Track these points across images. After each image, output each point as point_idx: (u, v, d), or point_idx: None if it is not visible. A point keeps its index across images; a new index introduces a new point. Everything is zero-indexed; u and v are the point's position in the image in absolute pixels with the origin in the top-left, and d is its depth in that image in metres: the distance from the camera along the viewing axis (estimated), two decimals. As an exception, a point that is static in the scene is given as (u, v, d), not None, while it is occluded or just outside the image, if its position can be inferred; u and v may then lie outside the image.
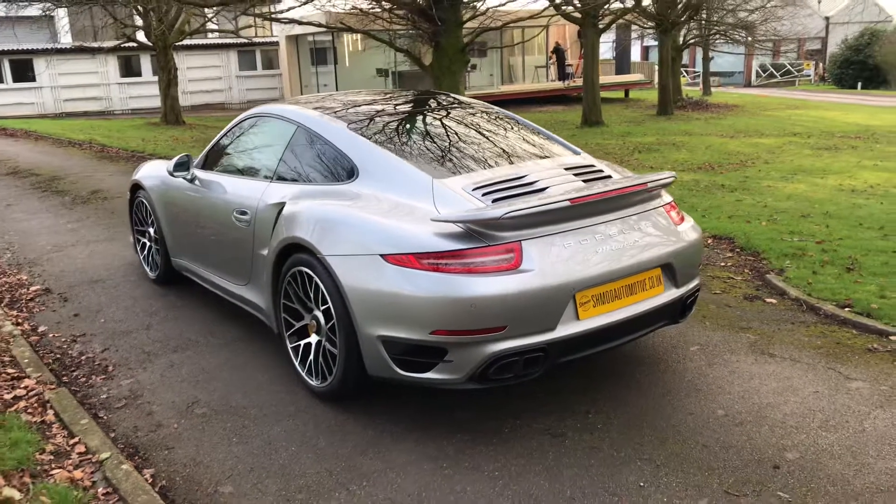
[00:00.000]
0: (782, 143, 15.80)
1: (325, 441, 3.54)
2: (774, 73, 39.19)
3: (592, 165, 4.13)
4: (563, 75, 29.22)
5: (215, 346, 4.74)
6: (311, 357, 3.94)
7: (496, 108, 4.98)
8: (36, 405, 4.04)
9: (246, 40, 26.48)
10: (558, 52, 29.08)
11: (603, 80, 27.12)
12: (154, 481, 3.32)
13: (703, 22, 24.66)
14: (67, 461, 3.51)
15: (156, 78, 25.28)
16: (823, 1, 40.72)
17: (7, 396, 4.15)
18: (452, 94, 5.23)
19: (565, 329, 3.39)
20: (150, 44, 19.87)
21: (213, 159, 5.11)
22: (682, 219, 4.00)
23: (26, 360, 4.61)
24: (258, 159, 4.73)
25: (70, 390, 4.23)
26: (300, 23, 14.12)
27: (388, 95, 5.09)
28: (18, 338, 5.00)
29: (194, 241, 5.14)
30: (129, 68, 26.56)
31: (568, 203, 3.39)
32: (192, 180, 5.10)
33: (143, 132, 18.50)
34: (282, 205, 4.11)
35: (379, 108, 4.63)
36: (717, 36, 27.44)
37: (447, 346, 3.31)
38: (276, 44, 27.89)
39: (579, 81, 28.20)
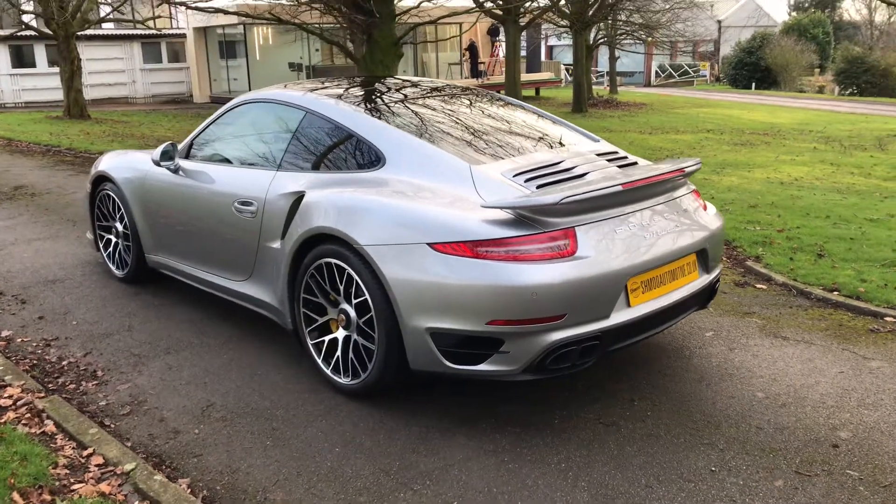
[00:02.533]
0: (699, 139, 16.40)
1: (369, 440, 3.38)
2: (673, 73, 40.72)
3: (617, 152, 4.11)
4: (475, 72, 29.45)
5: (212, 346, 4.46)
6: (339, 353, 3.75)
7: (501, 95, 4.90)
8: (29, 416, 3.69)
9: (151, 31, 25.37)
10: (472, 49, 29.25)
11: (522, 77, 27.50)
12: (193, 492, 3.08)
13: (614, 22, 25.31)
14: (87, 474, 3.21)
15: (52, 69, 23.90)
16: (715, 5, 42.58)
17: (-9, 407, 3.77)
18: (445, 81, 5.11)
19: (618, 316, 3.35)
20: (49, 32, 18.68)
21: (200, 149, 4.81)
22: (706, 206, 4.04)
23: (0, 368, 4.21)
24: (258, 147, 4.48)
25: (62, 398, 3.89)
26: (226, 12, 13.63)
27: (385, 81, 4.92)
28: (-17, 344, 4.57)
29: (179, 235, 4.82)
30: (22, 59, 24.95)
31: (619, 188, 3.35)
32: (175, 171, 4.78)
33: (48, 126, 17.40)
34: (299, 194, 3.90)
35: (386, 93, 4.47)
36: (624, 36, 28.25)
37: (504, 336, 3.21)
38: (183, 36, 26.83)
39: (493, 79, 28.56)
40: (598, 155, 3.95)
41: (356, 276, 3.52)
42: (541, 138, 4.13)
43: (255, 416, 3.64)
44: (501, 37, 30.97)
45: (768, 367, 3.95)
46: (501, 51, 32.21)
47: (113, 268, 5.61)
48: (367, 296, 3.49)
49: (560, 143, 4.10)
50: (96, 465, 3.28)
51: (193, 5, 13.53)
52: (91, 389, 4.01)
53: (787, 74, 33.76)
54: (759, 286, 5.29)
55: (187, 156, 4.84)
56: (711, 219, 3.90)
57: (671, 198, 3.75)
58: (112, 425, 3.64)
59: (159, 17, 25.13)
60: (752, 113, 22.97)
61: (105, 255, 5.69)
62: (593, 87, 28.80)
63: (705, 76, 40.86)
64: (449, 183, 3.55)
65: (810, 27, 40.51)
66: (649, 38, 27.47)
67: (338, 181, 3.83)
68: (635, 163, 3.99)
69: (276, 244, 4.04)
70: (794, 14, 49.25)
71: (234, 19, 23.96)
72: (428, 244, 3.29)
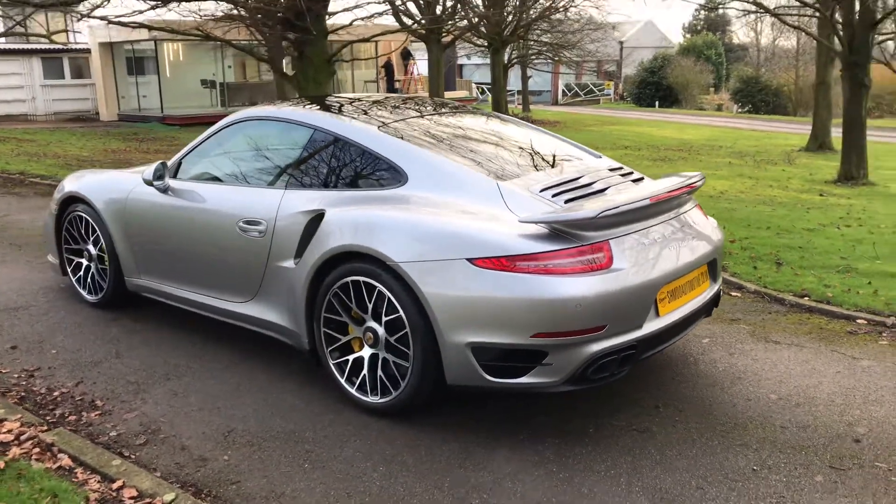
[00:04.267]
0: (619, 155, 16.96)
1: (411, 458, 3.36)
2: (579, 92, 42.00)
3: (623, 167, 4.26)
4: (392, 90, 29.63)
5: (214, 370, 4.33)
6: (365, 372, 3.72)
7: (497, 113, 4.98)
8: (38, 451, 3.49)
9: (52, 46, 24.30)
10: (388, 67, 29.42)
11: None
12: (244, 519, 3.00)
13: (526, 41, 25.94)
14: (125, 508, 3.08)
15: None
16: (617, 27, 44.22)
17: (-8, 443, 3.55)
18: (437, 98, 5.16)
19: (650, 326, 3.47)
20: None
21: (190, 168, 4.68)
22: (708, 218, 4.22)
23: (-11, 402, 3.96)
24: (260, 166, 4.40)
25: (68, 431, 3.70)
26: (150, 28, 13.22)
27: (386, 99, 4.92)
28: (-41, 377, 4.29)
29: (169, 257, 4.66)
30: None
31: (648, 202, 3.48)
32: (164, 190, 4.63)
33: (-52, 145, 16.39)
34: (317, 212, 3.85)
35: (393, 111, 4.48)
36: (536, 55, 28.99)
37: (547, 348, 3.27)
38: (87, 51, 25.76)
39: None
40: (611, 170, 4.08)
41: (388, 293, 3.51)
42: (551, 154, 4.23)
43: (283, 440, 3.57)
44: (415, 58, 31.32)
45: (771, 369, 4.15)
46: (416, 70, 32.53)
47: (84, 293, 5.36)
48: (402, 312, 3.48)
49: (570, 159, 4.21)
50: (130, 498, 3.14)
51: (116, 20, 13.08)
52: (95, 420, 3.82)
53: (688, 93, 35.44)
54: (734, 294, 5.55)
55: (174, 175, 4.69)
56: (715, 230, 4.09)
57: (684, 211, 3.91)
58: (132, 456, 3.48)
59: (64, 31, 24.13)
60: (662, 130, 23.93)
61: (74, 279, 5.42)
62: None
63: (609, 95, 42.34)
64: (476, 199, 3.59)
65: (704, 48, 42.62)
66: (562, 58, 28.26)
67: (358, 199, 3.81)
68: (642, 178, 4.14)
69: (288, 263, 3.98)
70: (688, 36, 51.72)
71: (144, 34, 23.23)
72: (467, 259, 3.32)
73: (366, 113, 4.36)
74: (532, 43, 27.66)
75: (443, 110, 4.68)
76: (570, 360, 3.28)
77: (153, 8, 13.47)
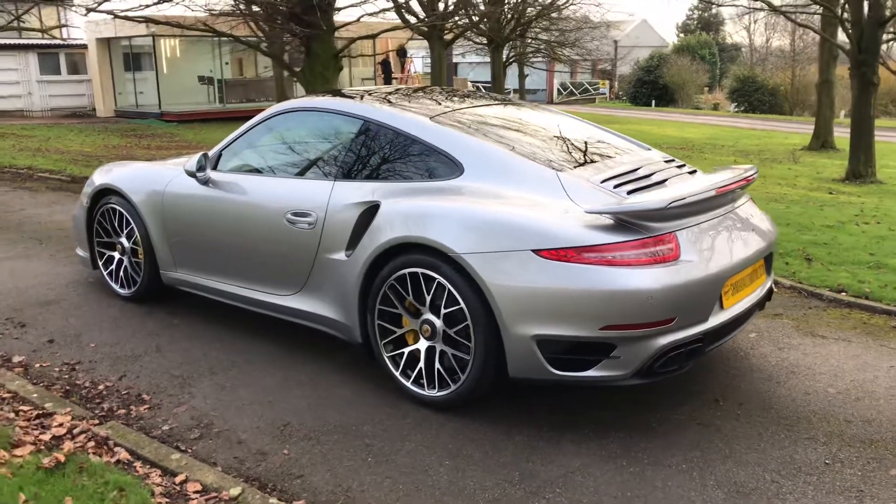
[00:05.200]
0: (624, 153, 16.95)
1: (477, 451, 3.32)
2: (574, 90, 42.01)
3: (674, 160, 4.23)
4: (389, 87, 29.57)
5: (259, 364, 4.27)
6: (421, 365, 3.68)
7: (536, 104, 4.94)
8: (93, 444, 3.43)
9: (48, 42, 24.10)
10: (385, 65, 29.33)
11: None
12: (316, 513, 2.95)
13: (523, 40, 25.92)
14: (190, 502, 3.02)
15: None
16: (612, 26, 44.25)
17: (45, 437, 3.49)
18: (479, 89, 5.12)
19: (715, 319, 3.44)
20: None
21: (230, 160, 4.62)
22: (761, 212, 4.20)
23: (35, 395, 3.90)
24: (306, 158, 4.34)
25: (121, 424, 3.64)
26: (158, 23, 13.11)
27: (432, 91, 4.87)
28: (1, 369, 4.22)
29: (209, 250, 4.60)
30: None
31: (714, 192, 3.45)
32: (205, 182, 4.57)
33: (-53, 140, 16.22)
34: (372, 204, 3.80)
35: (442, 103, 4.43)
36: (533, 54, 28.98)
37: (616, 341, 3.23)
38: (84, 47, 25.55)
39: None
40: (665, 162, 4.05)
41: (448, 285, 3.47)
42: (601, 145, 4.20)
43: (341, 433, 3.52)
44: (411, 56, 31.28)
45: (822, 364, 4.14)
46: (412, 68, 32.49)
47: (116, 286, 5.28)
48: (463, 304, 3.44)
49: (622, 151, 4.18)
50: (195, 492, 3.09)
51: (123, 14, 12.97)
52: (145, 414, 3.76)
53: (684, 92, 35.50)
54: (770, 289, 5.53)
55: (214, 167, 4.63)
56: (770, 225, 4.06)
57: (740, 204, 3.88)
58: (188, 450, 3.43)
59: (58, 26, 23.97)
60: (662, 129, 23.95)
61: (105, 273, 5.35)
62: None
63: (605, 94, 42.38)
64: (537, 190, 3.55)
65: (698, 48, 42.70)
66: (560, 56, 28.25)
67: (412, 190, 3.77)
68: (695, 171, 4.11)
69: (339, 255, 3.93)
70: (682, 35, 51.84)
71: (142, 30, 23.09)
72: (533, 251, 3.28)
73: (413, 104, 4.31)
74: (530, 41, 27.64)
75: (485, 101, 4.63)
76: (638, 353, 3.25)
77: (159, 3, 13.36)
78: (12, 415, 3.70)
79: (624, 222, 3.29)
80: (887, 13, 12.30)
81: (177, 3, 14.60)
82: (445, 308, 3.53)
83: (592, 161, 3.89)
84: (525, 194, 3.55)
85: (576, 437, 3.41)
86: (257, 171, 4.50)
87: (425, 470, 3.20)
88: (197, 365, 4.29)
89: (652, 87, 36.76)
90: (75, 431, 3.55)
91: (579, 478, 3.10)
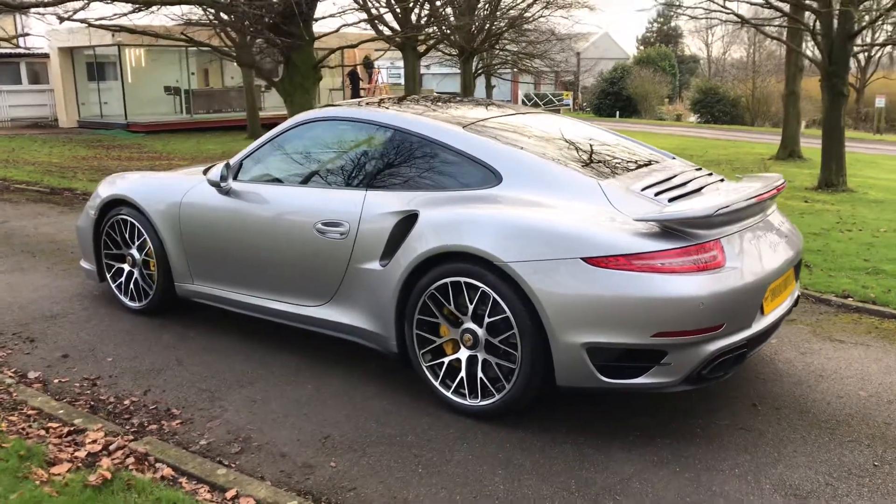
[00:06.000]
0: (598, 163, 17.11)
1: (527, 460, 3.31)
2: (538, 101, 42.37)
3: (702, 168, 4.29)
4: (357, 98, 29.58)
5: (285, 376, 4.21)
6: (463, 375, 3.66)
7: (555, 114, 4.97)
8: (133, 460, 3.34)
9: (8, 50, 23.57)
10: (353, 76, 29.32)
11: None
12: (377, 525, 2.91)
13: (490, 51, 26.11)
14: (247, 518, 2.96)
15: None
16: (578, 37, 44.82)
17: (80, 454, 3.40)
18: (498, 101, 5.14)
19: (757, 324, 3.49)
20: None
21: (250, 170, 4.55)
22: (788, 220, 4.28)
23: (61, 412, 3.80)
24: (334, 167, 4.30)
25: (158, 440, 3.55)
26: (133, 32, 12.90)
27: (456, 100, 4.86)
28: (19, 385, 4.10)
29: (230, 260, 4.52)
30: None
31: (755, 200, 3.50)
32: (227, 192, 4.50)
33: None
34: (409, 213, 3.78)
35: (470, 112, 4.43)
36: (500, 65, 29.21)
37: (667, 348, 3.26)
38: (46, 56, 25.03)
39: (377, 105, 28.68)
40: (696, 170, 4.11)
41: (493, 294, 3.46)
42: (631, 153, 4.24)
43: (386, 444, 3.48)
44: (377, 67, 31.29)
45: (847, 368, 4.22)
46: (380, 78, 32.49)
47: (125, 299, 5.17)
48: (509, 313, 3.43)
49: (653, 159, 4.22)
50: (249, 508, 3.02)
51: (97, 23, 12.74)
52: (178, 429, 3.68)
53: (647, 104, 36.06)
54: (777, 295, 5.62)
55: (235, 177, 4.56)
56: (797, 233, 4.14)
57: (771, 213, 3.95)
58: (232, 465, 3.36)
59: (16, 36, 23.48)
60: (630, 139, 24.24)
61: (114, 286, 5.23)
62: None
63: (569, 105, 42.82)
64: (578, 199, 3.57)
65: (658, 60, 43.44)
66: (528, 68, 28.51)
67: (450, 199, 3.75)
68: (722, 179, 4.17)
69: (373, 265, 3.90)
70: (641, 48, 52.69)
71: (107, 39, 22.73)
72: (582, 259, 3.30)
73: (442, 113, 4.30)
74: (498, 52, 27.85)
75: (511, 111, 4.65)
76: (688, 359, 3.28)
77: (134, 11, 13.16)
78: (42, 432, 3.59)
79: (671, 230, 3.32)
80: (856, 27, 12.65)
81: (152, 12, 14.42)
82: (489, 317, 3.52)
83: (628, 169, 3.92)
84: (567, 202, 3.56)
85: (624, 445, 3.42)
86: (281, 181, 4.45)
87: (479, 480, 3.18)
88: (222, 378, 4.21)
89: (616, 98, 37.27)
90: (111, 448, 3.46)
91: (636, 484, 3.11)
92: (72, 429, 3.62)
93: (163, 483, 3.16)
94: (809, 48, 18.55)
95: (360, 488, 3.15)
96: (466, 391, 3.66)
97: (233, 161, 4.58)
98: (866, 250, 7.18)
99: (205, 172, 4.91)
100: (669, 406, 3.76)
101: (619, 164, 3.99)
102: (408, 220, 3.79)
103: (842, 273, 6.17)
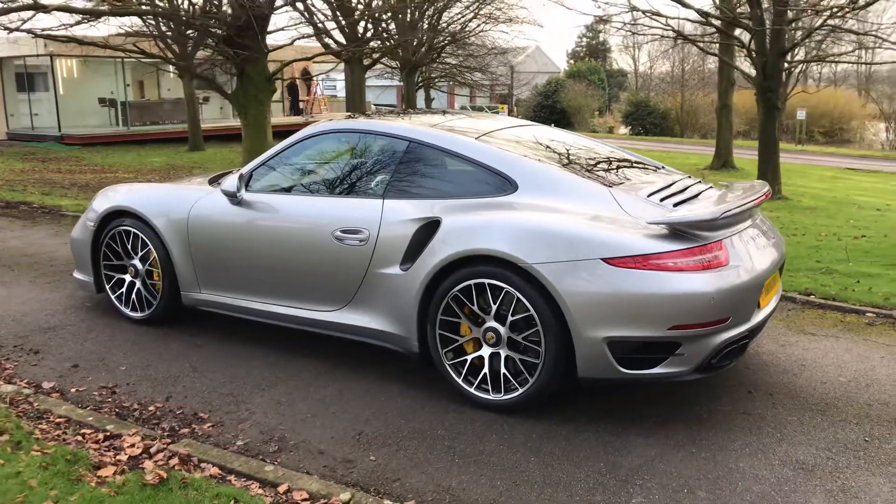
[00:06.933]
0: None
1: (556, 448, 3.55)
2: (474, 113, 43.02)
3: (689, 176, 4.63)
4: (297, 110, 29.57)
5: (305, 379, 4.36)
6: (486, 370, 3.89)
7: (546, 126, 5.26)
8: (176, 461, 3.45)
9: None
10: (292, 88, 29.31)
11: (341, 116, 27.77)
12: (431, 511, 3.11)
13: (436, 65, 26.52)
14: (305, 510, 3.12)
15: None
16: (507, 52, 45.60)
17: (122, 458, 3.49)
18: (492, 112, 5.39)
19: (755, 317, 3.83)
20: None
21: (263, 180, 4.69)
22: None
23: (90, 419, 3.87)
24: (350, 177, 4.49)
25: (197, 442, 3.67)
26: (81, 42, 12.71)
27: (468, 114, 5.08)
28: (38, 395, 4.14)
29: (243, 269, 4.64)
30: None
31: (752, 204, 3.85)
32: (239, 203, 4.63)
33: None
34: (430, 220, 4.00)
35: (467, 124, 4.67)
36: (442, 78, 29.64)
37: (682, 339, 3.56)
38: (-29, 66, 24.23)
39: (318, 117, 28.69)
40: (687, 178, 4.45)
41: (517, 294, 3.71)
42: (628, 162, 4.56)
43: (418, 438, 3.68)
44: (316, 79, 31.25)
45: (824, 357, 4.61)
46: (318, 90, 32.46)
47: (126, 310, 5.21)
48: (533, 311, 3.68)
49: (648, 168, 4.55)
50: (304, 500, 3.18)
51: (43, 33, 12.52)
52: (211, 431, 3.80)
53: (581, 116, 37.08)
54: (746, 295, 6.04)
55: (246, 188, 4.70)
56: (780, 235, 4.51)
57: (759, 216, 4.32)
58: (273, 463, 3.50)
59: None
60: (569, 150, 24.91)
61: (114, 297, 5.27)
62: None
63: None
64: (591, 205, 3.85)
65: (588, 74, 44.67)
66: (468, 81, 29.02)
67: (471, 206, 3.98)
68: (710, 186, 4.52)
69: (393, 269, 4.09)
70: (571, 62, 54.01)
71: (40, 48, 22.18)
72: (602, 259, 3.57)
73: (461, 126, 4.53)
74: (437, 66, 28.27)
75: (513, 123, 4.91)
76: (700, 349, 3.59)
77: (80, 23, 12.98)
78: (79, 438, 3.66)
79: (680, 232, 3.63)
80: (787, 45, 13.44)
81: (93, 25, 14.22)
82: (512, 316, 3.76)
83: (630, 177, 4.23)
84: (581, 208, 3.84)
85: (641, 431, 3.70)
86: (294, 190, 4.60)
87: (515, 466, 3.41)
88: (242, 382, 4.33)
89: (550, 110, 38.16)
90: (152, 451, 3.55)
91: (660, 465, 3.39)
92: (107, 434, 3.70)
93: (213, 481, 3.29)
94: (742, 63, 19.44)
95: (404, 479, 3.34)
96: (489, 387, 3.88)
97: (243, 171, 4.71)
98: (815, 252, 7.72)
99: (211, 183, 5.02)
100: (674, 396, 4.07)
101: (619, 172, 4.30)
102: (429, 227, 4.00)
103: (800, 273, 6.64)
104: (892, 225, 10.50)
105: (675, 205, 3.90)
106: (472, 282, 3.82)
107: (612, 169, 4.32)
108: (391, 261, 4.10)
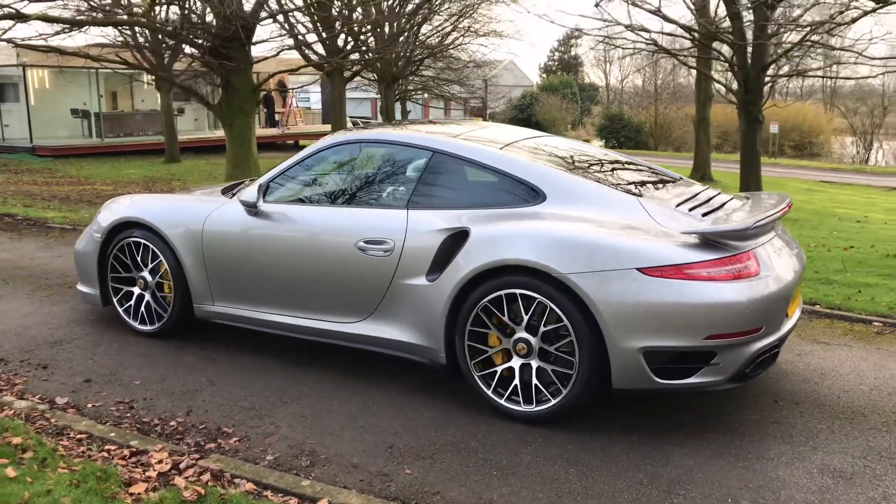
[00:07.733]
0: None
1: (593, 459, 3.53)
2: (449, 126, 43.12)
3: (708, 186, 4.66)
4: (273, 122, 29.43)
5: (329, 392, 4.29)
6: (517, 382, 3.86)
7: (563, 138, 5.27)
8: (208, 477, 3.38)
9: None
10: (268, 100, 29.16)
11: (319, 128, 27.76)
12: (475, 525, 3.06)
13: (413, 77, 26.54)
14: (347, 525, 3.06)
15: None
16: (482, 66, 45.81)
17: (151, 474, 3.41)
18: (498, 125, 5.39)
19: (784, 326, 3.85)
20: None
21: (278, 191, 4.63)
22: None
23: (113, 434, 3.77)
24: (372, 188, 4.45)
25: (227, 457, 3.59)
26: (62, 52, 12.54)
27: (481, 125, 5.06)
28: (54, 411, 4.03)
29: (260, 280, 4.57)
30: None
31: (779, 214, 3.88)
32: (256, 214, 4.57)
33: None
34: (458, 230, 3.97)
35: (489, 134, 4.65)
36: (419, 91, 29.69)
37: (717, 349, 3.56)
38: (-60, 77, 23.73)
39: (293, 129, 28.58)
40: (706, 188, 4.48)
41: (550, 304, 3.69)
42: (650, 173, 4.57)
43: (452, 451, 3.63)
44: (292, 91, 31.13)
45: (841, 366, 4.65)
46: (294, 102, 32.30)
47: (135, 323, 5.10)
48: (567, 322, 3.66)
49: (669, 178, 4.57)
50: (345, 515, 3.12)
51: (23, 43, 12.33)
52: (238, 446, 3.72)
53: (556, 129, 37.30)
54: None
55: (264, 199, 4.63)
56: (799, 245, 4.55)
57: (781, 227, 4.35)
58: (308, 477, 3.44)
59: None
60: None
61: (122, 310, 5.15)
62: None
63: (479, 130, 43.72)
64: (621, 215, 3.85)
65: (561, 87, 45.05)
66: (447, 94, 29.09)
67: (499, 216, 3.97)
68: (732, 198, 4.55)
69: (418, 280, 4.06)
70: (544, 76, 54.45)
71: (11, 58, 21.85)
72: (637, 269, 3.57)
73: (482, 136, 4.51)
74: (414, 78, 28.30)
75: (529, 133, 4.91)
76: (735, 359, 3.59)
77: (59, 33, 12.82)
78: (104, 454, 3.57)
79: (713, 242, 3.65)
80: (768, 59, 13.66)
81: (69, 35, 14.01)
82: (545, 326, 3.74)
83: (656, 188, 4.24)
84: (611, 218, 3.84)
85: (676, 441, 3.69)
86: (312, 201, 4.55)
87: (555, 478, 3.38)
88: (263, 396, 4.25)
89: (525, 123, 38.31)
90: (181, 466, 3.47)
91: (700, 475, 3.38)
92: (132, 450, 3.61)
93: (251, 497, 3.21)
94: (722, 76, 19.74)
95: (443, 492, 3.29)
96: (521, 398, 3.85)
97: (260, 182, 4.65)
98: (810, 263, 7.80)
99: (224, 193, 4.95)
100: (702, 406, 4.07)
101: (644, 182, 4.31)
102: (456, 237, 3.98)
103: (805, 283, 6.70)
104: (875, 236, 10.68)
105: (704, 215, 3.91)
106: (502, 292, 3.80)
107: (636, 179, 4.33)
108: (417, 271, 4.07)
